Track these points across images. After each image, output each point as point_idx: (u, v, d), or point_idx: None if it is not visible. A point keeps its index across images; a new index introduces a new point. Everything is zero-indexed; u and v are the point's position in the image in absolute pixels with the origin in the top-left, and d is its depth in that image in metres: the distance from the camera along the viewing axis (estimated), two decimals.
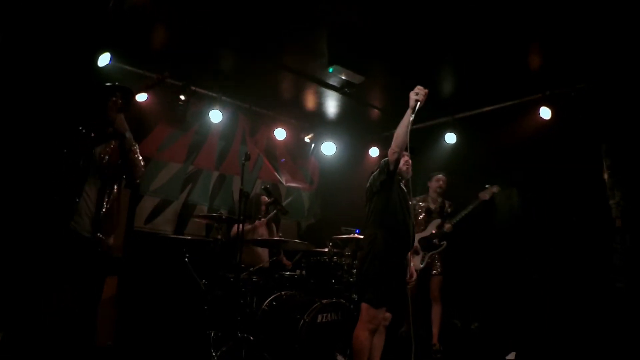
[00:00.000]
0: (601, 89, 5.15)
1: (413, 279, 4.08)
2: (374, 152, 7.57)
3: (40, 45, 4.21)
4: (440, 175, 5.96)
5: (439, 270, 5.73)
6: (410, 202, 3.98)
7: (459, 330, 6.03)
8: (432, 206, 5.90)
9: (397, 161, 3.69)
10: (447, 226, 5.64)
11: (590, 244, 5.13)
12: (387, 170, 3.74)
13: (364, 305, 3.75)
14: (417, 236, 5.68)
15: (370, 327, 3.71)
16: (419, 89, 3.54)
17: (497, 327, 5.73)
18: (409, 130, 3.52)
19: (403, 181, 4.03)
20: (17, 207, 3.87)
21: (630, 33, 4.39)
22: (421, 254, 5.66)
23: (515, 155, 5.95)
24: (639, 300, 4.56)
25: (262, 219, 5.74)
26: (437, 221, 5.77)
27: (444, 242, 5.67)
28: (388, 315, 3.90)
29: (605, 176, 5.09)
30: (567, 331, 5.10)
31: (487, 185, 5.68)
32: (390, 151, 3.68)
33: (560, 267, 5.38)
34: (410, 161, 3.99)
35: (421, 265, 5.61)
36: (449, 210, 5.85)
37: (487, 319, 5.89)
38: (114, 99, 3.32)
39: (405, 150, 3.70)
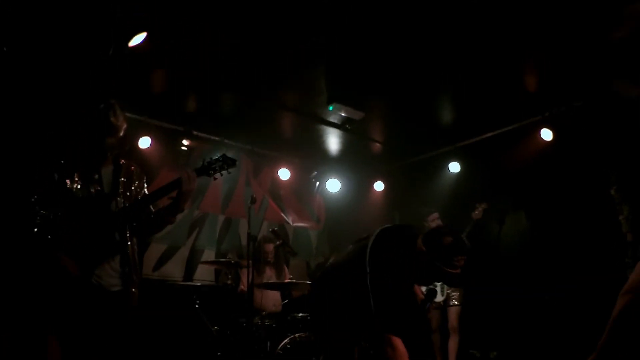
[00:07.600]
0: (600, 105, 5.17)
1: None
2: (378, 186, 7.53)
3: (42, 93, 4.24)
4: (435, 214, 5.89)
5: (458, 300, 5.62)
6: None
7: None
8: None
9: None
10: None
11: (602, 262, 5.06)
12: None
13: None
14: None
15: None
16: None
17: (517, 354, 5.59)
18: None
19: None
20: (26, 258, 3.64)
21: (624, 47, 4.41)
22: (439, 286, 5.55)
23: (521, 178, 5.92)
24: None
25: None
26: None
27: None
28: None
29: (612, 191, 5.06)
30: (583, 352, 4.97)
31: (476, 205, 5.63)
32: None
33: (573, 287, 5.30)
34: None
35: (442, 297, 5.55)
36: None
37: (506, 348, 5.75)
38: (107, 104, 3.05)
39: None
